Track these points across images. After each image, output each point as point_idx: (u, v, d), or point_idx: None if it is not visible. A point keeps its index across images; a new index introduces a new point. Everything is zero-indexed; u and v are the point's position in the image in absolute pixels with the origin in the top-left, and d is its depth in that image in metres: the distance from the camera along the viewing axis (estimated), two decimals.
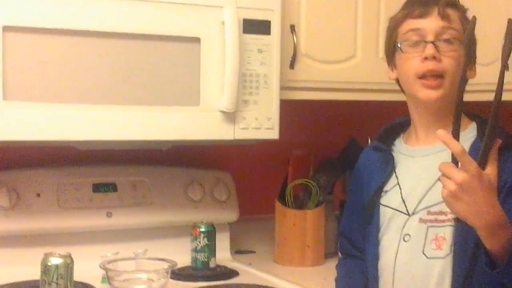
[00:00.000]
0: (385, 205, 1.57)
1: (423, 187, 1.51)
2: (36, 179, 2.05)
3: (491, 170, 1.33)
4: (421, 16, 1.51)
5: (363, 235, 1.63)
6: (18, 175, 2.03)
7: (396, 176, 1.58)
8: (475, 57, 1.56)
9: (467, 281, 1.43)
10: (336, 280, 1.74)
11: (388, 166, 1.59)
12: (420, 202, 1.51)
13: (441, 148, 1.51)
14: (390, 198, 1.57)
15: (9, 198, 1.98)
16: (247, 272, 2.14)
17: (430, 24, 1.50)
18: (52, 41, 1.75)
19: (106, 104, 1.81)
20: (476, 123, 1.54)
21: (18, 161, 2.08)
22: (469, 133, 1.52)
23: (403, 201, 1.54)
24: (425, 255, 1.48)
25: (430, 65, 1.49)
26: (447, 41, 1.49)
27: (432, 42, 1.49)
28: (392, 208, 1.56)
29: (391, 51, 1.58)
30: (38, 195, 2.03)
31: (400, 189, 1.55)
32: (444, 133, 1.32)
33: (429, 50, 1.48)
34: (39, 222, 2.02)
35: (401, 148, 1.61)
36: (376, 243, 1.57)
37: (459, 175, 1.30)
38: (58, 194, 2.06)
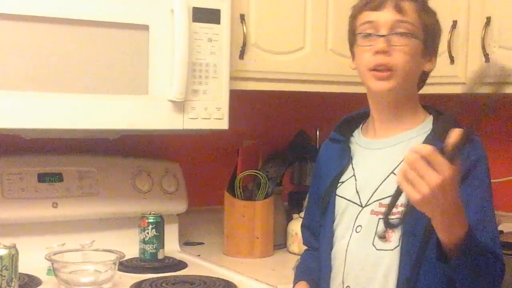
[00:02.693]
0: (340, 196, 1.58)
1: (377, 179, 1.52)
2: None
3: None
4: (376, 8, 1.51)
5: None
6: None
7: (352, 167, 1.59)
8: (437, 50, 1.58)
9: (413, 274, 1.44)
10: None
11: (345, 157, 1.60)
12: (373, 194, 1.52)
13: (396, 141, 1.54)
14: (345, 189, 1.58)
15: None
16: (196, 263, 2.13)
17: (384, 17, 1.50)
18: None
19: (52, 91, 1.78)
20: (433, 116, 1.56)
21: None
22: (425, 126, 1.54)
23: (357, 192, 1.55)
24: (374, 246, 1.49)
25: (380, 59, 1.49)
26: (401, 34, 1.49)
27: (384, 36, 1.49)
28: (346, 199, 1.57)
29: (351, 42, 1.58)
30: None
31: (356, 180, 1.56)
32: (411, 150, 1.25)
33: (379, 44, 1.49)
34: None
35: (359, 140, 1.62)
36: (331, 233, 1.58)
37: (436, 179, 1.22)
38: (2, 183, 2.02)
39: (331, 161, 1.64)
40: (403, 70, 1.49)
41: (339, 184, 1.59)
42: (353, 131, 1.64)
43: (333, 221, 1.58)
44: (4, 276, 1.57)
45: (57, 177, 2.09)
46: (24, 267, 1.66)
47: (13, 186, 2.03)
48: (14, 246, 1.61)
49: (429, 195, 1.23)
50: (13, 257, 1.60)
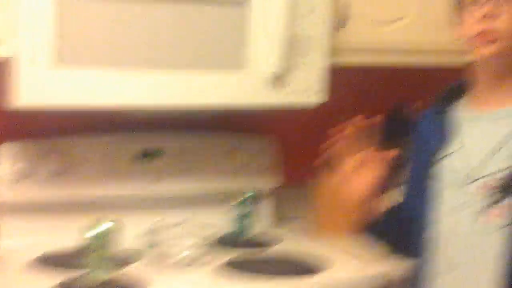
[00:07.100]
0: (442, 171, 1.56)
1: (478, 155, 1.50)
2: (84, 145, 2.04)
3: None
4: None
5: None
6: (66, 141, 2.02)
7: (457, 140, 1.55)
8: None
9: None
10: None
11: (446, 131, 1.56)
12: (471, 171, 1.51)
13: (500, 115, 1.49)
14: (446, 164, 1.55)
15: (57, 164, 1.97)
16: (291, 239, 2.14)
17: None
18: (101, 6, 1.73)
19: (152, 68, 1.79)
20: None
21: (66, 126, 2.06)
22: None
23: (458, 168, 1.53)
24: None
25: (487, 23, 1.43)
26: None
27: None
28: (448, 174, 1.55)
29: (455, 8, 1.52)
30: (86, 160, 2.02)
31: (456, 154, 1.54)
32: None
33: (486, 8, 1.42)
34: (86, 188, 2.02)
35: (462, 112, 1.57)
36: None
37: None
38: (103, 160, 2.05)
39: (431, 135, 1.59)
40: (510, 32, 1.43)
41: (441, 159, 1.55)
42: (454, 103, 1.59)
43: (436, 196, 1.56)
44: (108, 250, 1.62)
45: (157, 154, 2.10)
46: (125, 241, 1.69)
47: (115, 163, 2.05)
48: (116, 221, 1.65)
49: None
50: (115, 232, 1.64)
